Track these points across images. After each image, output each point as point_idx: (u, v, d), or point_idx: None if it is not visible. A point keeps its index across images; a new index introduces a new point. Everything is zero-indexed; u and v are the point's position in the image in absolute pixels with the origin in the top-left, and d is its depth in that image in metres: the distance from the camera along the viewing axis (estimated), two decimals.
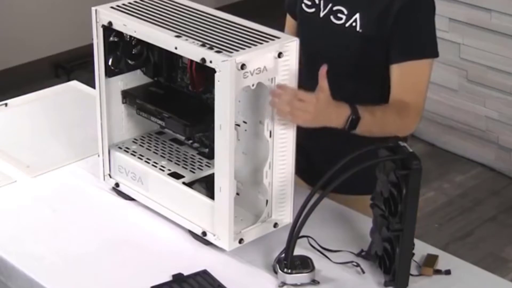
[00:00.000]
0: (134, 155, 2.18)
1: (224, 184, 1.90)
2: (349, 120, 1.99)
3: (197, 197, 2.02)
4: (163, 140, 2.26)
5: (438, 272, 1.94)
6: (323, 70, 1.94)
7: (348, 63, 2.18)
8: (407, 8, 2.08)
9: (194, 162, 2.15)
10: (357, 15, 2.14)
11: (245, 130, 2.01)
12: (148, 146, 2.23)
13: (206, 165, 2.13)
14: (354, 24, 2.14)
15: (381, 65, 2.14)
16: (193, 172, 2.10)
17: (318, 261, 1.93)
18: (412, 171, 1.79)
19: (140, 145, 2.23)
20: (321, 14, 2.21)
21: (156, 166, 2.13)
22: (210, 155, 2.07)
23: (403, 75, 2.12)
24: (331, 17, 2.19)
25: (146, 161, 2.15)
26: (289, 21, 2.35)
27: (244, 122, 2.00)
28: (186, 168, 2.12)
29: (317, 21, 2.22)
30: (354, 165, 1.83)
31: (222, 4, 5.41)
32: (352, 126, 2.00)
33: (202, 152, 2.17)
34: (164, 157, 2.17)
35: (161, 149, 2.21)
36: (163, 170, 2.11)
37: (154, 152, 2.20)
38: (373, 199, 1.94)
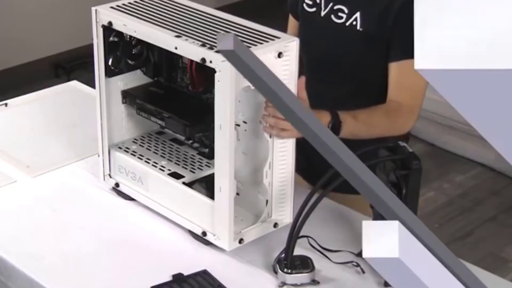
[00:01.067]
0: (134, 155, 2.17)
1: (224, 184, 1.90)
2: (329, 126, 1.98)
3: (197, 197, 2.01)
4: (163, 140, 2.25)
5: None
6: (302, 82, 1.94)
7: (349, 62, 2.18)
8: (408, 7, 2.08)
9: (194, 162, 2.15)
10: (358, 14, 2.14)
11: (245, 130, 2.01)
12: (148, 146, 2.23)
13: (206, 165, 2.13)
14: (354, 23, 2.14)
15: (381, 64, 2.14)
16: (193, 172, 2.10)
17: (318, 261, 1.93)
18: (412, 171, 1.79)
19: (140, 145, 2.23)
20: (322, 14, 2.21)
21: (156, 166, 2.13)
22: (210, 155, 2.07)
23: (401, 74, 2.11)
24: (332, 16, 2.19)
25: (146, 161, 2.15)
26: (292, 22, 2.35)
27: (244, 122, 2.00)
28: (186, 168, 2.12)
29: (318, 21, 2.22)
30: None
31: (222, 4, 5.41)
32: (334, 131, 1.99)
33: (202, 152, 2.17)
34: (164, 157, 2.17)
35: (161, 149, 2.21)
36: (163, 170, 2.11)
37: (154, 152, 2.20)
38: None
